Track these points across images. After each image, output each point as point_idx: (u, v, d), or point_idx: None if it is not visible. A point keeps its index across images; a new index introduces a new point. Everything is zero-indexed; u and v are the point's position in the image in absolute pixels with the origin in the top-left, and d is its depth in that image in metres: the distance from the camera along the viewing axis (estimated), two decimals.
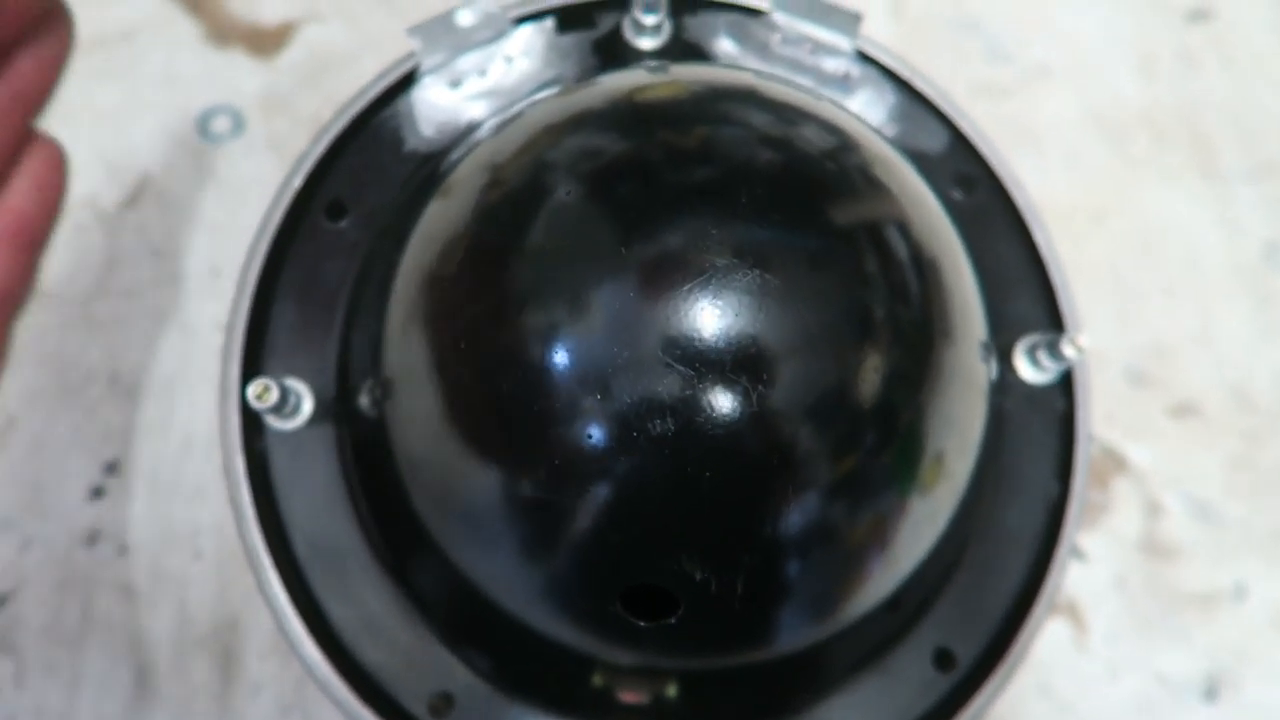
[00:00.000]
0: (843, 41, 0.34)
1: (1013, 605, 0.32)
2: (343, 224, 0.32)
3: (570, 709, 0.29)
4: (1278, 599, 0.46)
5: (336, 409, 0.31)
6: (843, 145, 0.27)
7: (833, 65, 0.35)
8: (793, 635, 0.27)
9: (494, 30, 0.33)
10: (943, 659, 0.31)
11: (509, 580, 0.27)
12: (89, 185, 0.48)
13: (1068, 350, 0.31)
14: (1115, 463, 0.48)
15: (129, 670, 0.41)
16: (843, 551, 0.26)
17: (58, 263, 0.47)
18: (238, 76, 0.51)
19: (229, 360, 0.31)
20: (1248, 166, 0.53)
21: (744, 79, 0.29)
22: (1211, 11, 0.56)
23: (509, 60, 0.34)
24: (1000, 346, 0.32)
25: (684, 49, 0.34)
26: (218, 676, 0.41)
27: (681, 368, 0.22)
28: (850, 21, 0.34)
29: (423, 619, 0.30)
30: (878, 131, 0.32)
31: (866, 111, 0.35)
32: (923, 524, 0.28)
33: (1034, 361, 0.32)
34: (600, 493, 0.23)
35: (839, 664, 0.30)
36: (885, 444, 0.25)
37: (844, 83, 0.35)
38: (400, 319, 0.28)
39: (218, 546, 0.43)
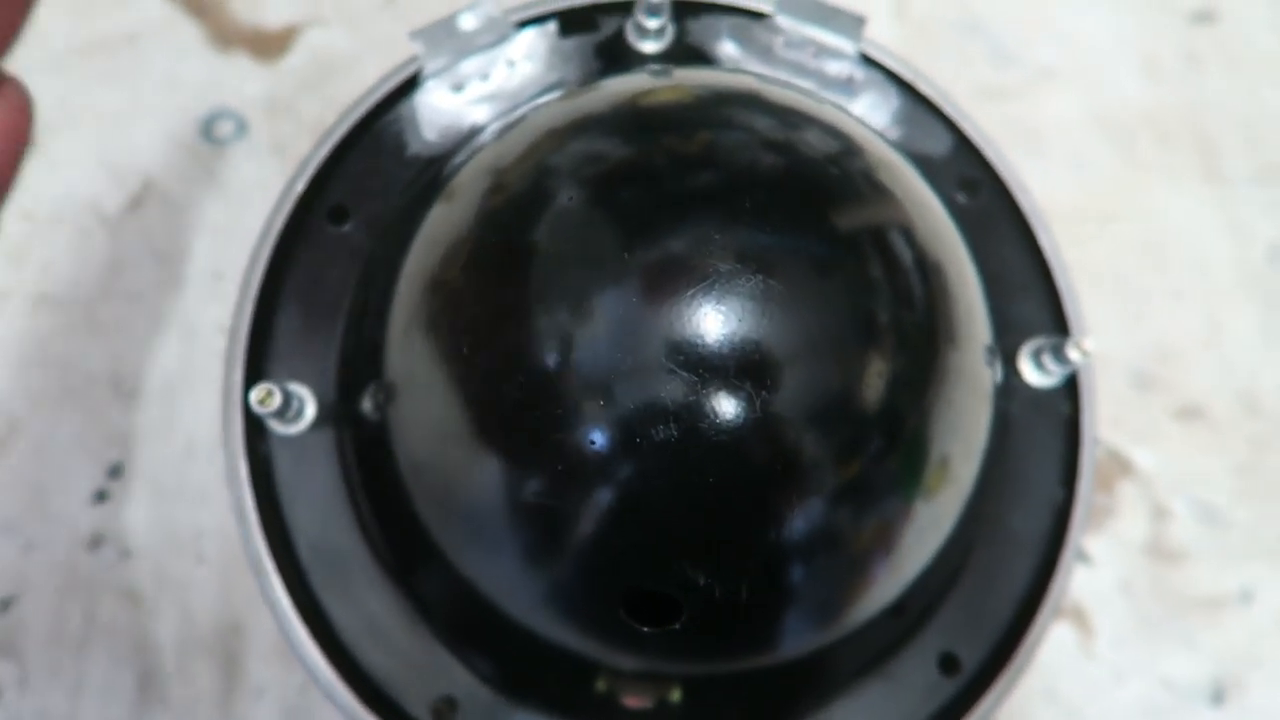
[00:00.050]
0: (846, 44, 0.34)
1: (1018, 609, 0.31)
2: (345, 228, 0.32)
3: (574, 714, 0.29)
4: None
5: (339, 413, 0.30)
6: (846, 149, 0.27)
7: (836, 68, 0.34)
8: (797, 641, 0.27)
9: (497, 34, 0.33)
10: (948, 663, 0.31)
11: (512, 585, 0.27)
12: (92, 188, 0.48)
13: (1073, 354, 0.31)
14: (1121, 466, 0.47)
15: (132, 675, 0.41)
16: (847, 557, 0.25)
17: (60, 266, 0.47)
18: (241, 80, 0.51)
19: (231, 364, 0.31)
20: (1253, 168, 0.53)
21: (747, 83, 0.29)
22: (1216, 13, 0.56)
23: (511, 64, 0.34)
24: (1005, 350, 0.32)
25: (687, 53, 0.34)
26: (221, 681, 0.41)
27: (685, 373, 0.22)
28: (854, 24, 0.34)
29: (426, 623, 0.30)
30: (881, 135, 0.32)
31: (870, 115, 0.35)
32: (928, 529, 0.27)
33: (1039, 365, 0.32)
34: (603, 498, 0.23)
35: (843, 669, 0.30)
36: (890, 449, 0.25)
37: (847, 86, 0.35)
38: (403, 323, 0.28)
39: (221, 550, 0.43)
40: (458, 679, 0.30)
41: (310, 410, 0.30)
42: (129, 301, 0.47)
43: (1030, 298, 0.34)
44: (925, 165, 0.33)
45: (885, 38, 0.36)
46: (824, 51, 0.34)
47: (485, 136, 0.32)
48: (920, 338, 0.25)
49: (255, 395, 0.28)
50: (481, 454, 0.25)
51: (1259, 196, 0.53)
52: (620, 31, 0.34)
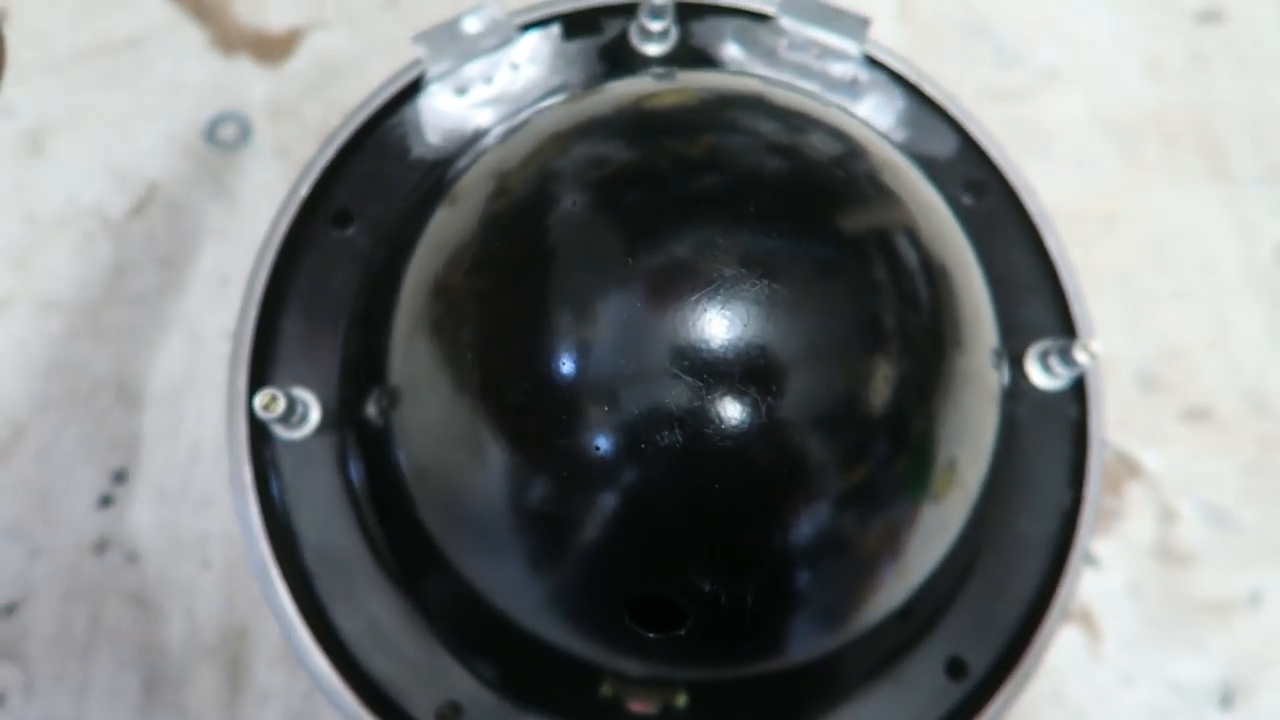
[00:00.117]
0: (850, 46, 0.34)
1: (1026, 613, 0.31)
2: (349, 232, 0.32)
3: (578, 719, 0.29)
4: None
5: (343, 418, 0.30)
6: (851, 152, 0.27)
7: (840, 70, 0.34)
8: (803, 646, 0.27)
9: (500, 37, 0.33)
10: (955, 668, 0.31)
11: (515, 590, 0.27)
12: (96, 194, 0.48)
13: (1080, 356, 0.31)
14: (1128, 468, 0.47)
15: (137, 679, 0.41)
16: (854, 562, 0.25)
17: (65, 271, 0.47)
18: (245, 84, 0.51)
19: (236, 370, 0.31)
20: (1260, 168, 0.53)
21: (751, 85, 0.29)
22: (1222, 13, 0.56)
23: (515, 67, 0.34)
24: (1012, 352, 0.32)
25: (691, 55, 0.34)
26: (226, 686, 0.41)
27: (690, 378, 0.22)
28: (858, 26, 0.34)
29: (429, 628, 0.30)
30: (886, 137, 0.32)
31: (875, 117, 0.34)
32: (935, 532, 0.27)
33: (1046, 367, 0.32)
34: (607, 504, 0.23)
35: (850, 673, 0.30)
36: (896, 453, 0.24)
37: (852, 88, 0.34)
38: (407, 328, 0.27)
39: (226, 555, 0.43)
40: (462, 684, 0.29)
41: (314, 415, 0.30)
42: (133, 306, 0.47)
43: (1037, 300, 0.34)
44: (930, 167, 0.33)
45: (889, 39, 0.36)
46: (828, 53, 0.34)
47: (489, 140, 0.32)
48: (926, 341, 0.25)
49: (259, 401, 0.28)
50: (485, 459, 0.25)
51: (1266, 196, 0.52)
52: (624, 34, 0.34)
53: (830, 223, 0.25)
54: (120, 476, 0.44)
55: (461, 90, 0.33)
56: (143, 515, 0.43)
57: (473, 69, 0.33)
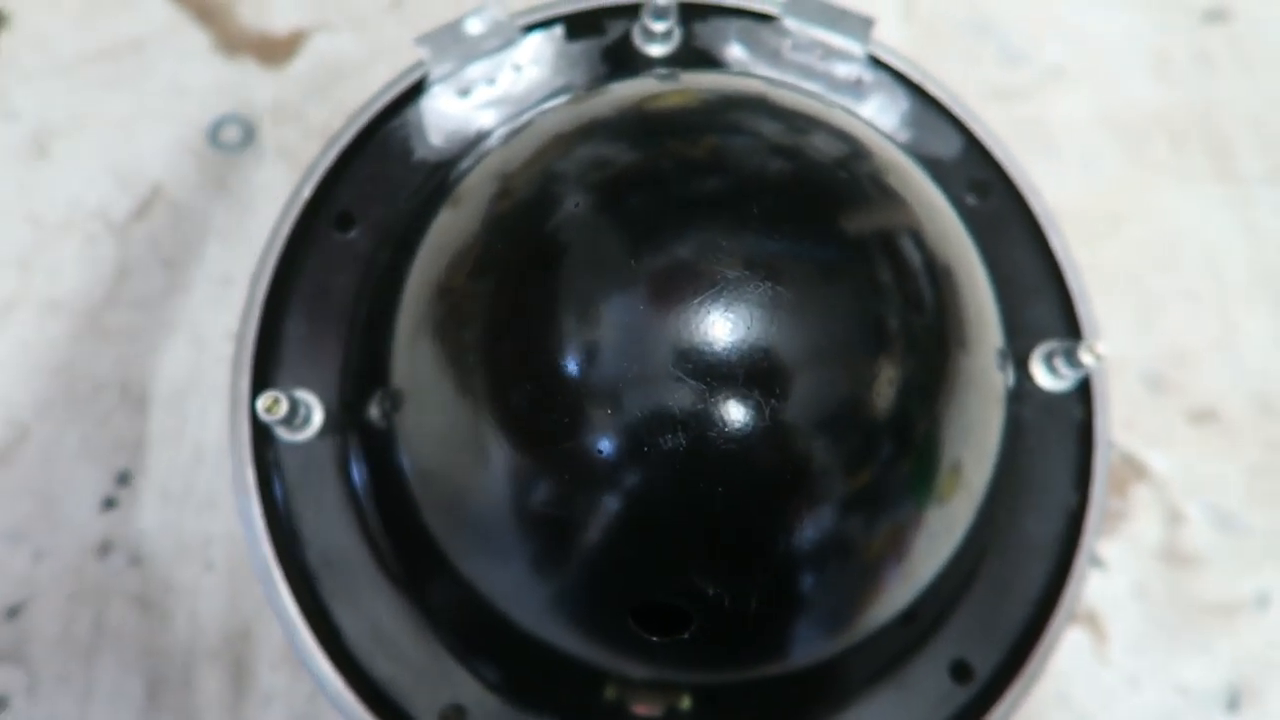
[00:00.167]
0: (854, 46, 0.34)
1: (1031, 616, 0.31)
2: (352, 234, 0.32)
3: None
4: None
5: (345, 420, 0.30)
6: (854, 153, 0.27)
7: (844, 71, 0.34)
8: (807, 650, 0.27)
9: (503, 38, 0.33)
10: (960, 671, 0.30)
11: (518, 593, 0.27)
12: (100, 196, 0.48)
13: (1085, 358, 0.31)
14: (1135, 470, 0.47)
15: (141, 681, 0.41)
16: (858, 565, 0.25)
17: (68, 273, 0.47)
18: (248, 86, 0.51)
19: (239, 372, 0.30)
20: (1267, 168, 0.53)
21: (754, 87, 0.29)
22: (1229, 11, 0.56)
23: (518, 68, 0.34)
24: (1017, 354, 0.32)
25: (694, 56, 0.34)
26: (229, 688, 0.41)
27: (693, 381, 0.22)
28: (862, 26, 0.33)
29: (433, 631, 0.30)
30: (890, 138, 0.31)
31: (879, 117, 0.34)
32: (939, 535, 0.27)
33: (1051, 369, 0.32)
34: (610, 507, 0.23)
35: (855, 677, 0.30)
36: (901, 455, 0.24)
37: (856, 88, 0.34)
38: (409, 330, 0.27)
39: (229, 556, 0.43)
40: (465, 687, 0.29)
41: (317, 417, 0.30)
42: (137, 308, 0.47)
43: (1042, 301, 0.33)
44: (935, 168, 0.33)
45: (894, 39, 0.36)
46: (832, 54, 0.34)
47: (492, 141, 0.32)
48: (931, 343, 0.25)
49: (262, 404, 0.28)
50: (487, 462, 0.25)
51: (1273, 196, 0.52)
52: (627, 35, 0.34)
53: (834, 225, 0.25)
54: (124, 478, 0.44)
55: (464, 92, 0.33)
56: (146, 517, 0.43)
57: (475, 70, 0.33)
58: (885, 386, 0.24)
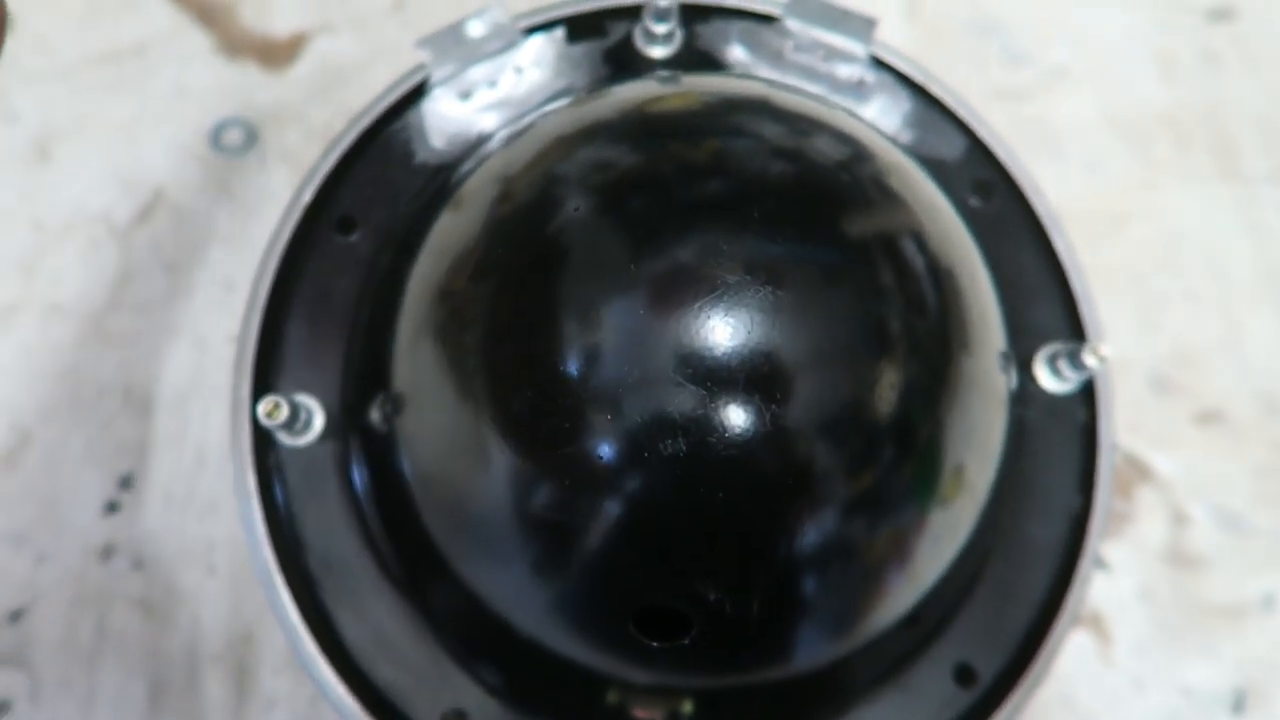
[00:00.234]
0: (857, 47, 0.34)
1: (1035, 618, 0.31)
2: (353, 238, 0.32)
3: None
4: None
5: (347, 425, 0.30)
6: (856, 155, 0.26)
7: (847, 72, 0.34)
8: (809, 654, 0.27)
9: (504, 41, 0.33)
10: (964, 674, 0.30)
11: (519, 598, 0.26)
12: (102, 200, 0.48)
13: (1089, 359, 0.31)
14: (1139, 472, 0.47)
15: (144, 685, 0.41)
16: (860, 569, 0.25)
17: (71, 277, 0.47)
18: (250, 89, 0.51)
19: (240, 377, 0.30)
20: (1272, 168, 0.52)
21: (756, 89, 0.29)
22: (1233, 10, 0.55)
23: (519, 71, 0.33)
24: (1020, 356, 0.32)
25: (696, 57, 0.34)
26: (232, 692, 0.41)
27: (694, 386, 0.22)
28: (864, 27, 0.33)
29: (434, 635, 0.30)
30: (893, 140, 0.31)
31: (881, 119, 0.34)
32: (943, 538, 0.27)
33: (1055, 371, 0.32)
34: (611, 512, 0.23)
35: (858, 681, 0.30)
36: (904, 459, 0.24)
37: (858, 90, 0.34)
38: (410, 334, 0.27)
39: (232, 561, 0.43)
40: (466, 691, 0.29)
41: (318, 422, 0.30)
42: (139, 312, 0.47)
43: (1045, 302, 0.33)
44: (938, 169, 0.32)
45: (896, 39, 0.36)
46: (834, 55, 0.34)
47: (493, 144, 0.32)
48: (933, 345, 0.25)
49: (263, 408, 0.28)
50: (488, 466, 0.25)
51: (1278, 196, 0.52)
52: (628, 37, 0.34)
53: (835, 228, 0.25)
54: (126, 482, 0.44)
55: (466, 94, 0.33)
56: (149, 521, 0.43)
57: (477, 73, 0.33)
58: (887, 390, 0.23)
